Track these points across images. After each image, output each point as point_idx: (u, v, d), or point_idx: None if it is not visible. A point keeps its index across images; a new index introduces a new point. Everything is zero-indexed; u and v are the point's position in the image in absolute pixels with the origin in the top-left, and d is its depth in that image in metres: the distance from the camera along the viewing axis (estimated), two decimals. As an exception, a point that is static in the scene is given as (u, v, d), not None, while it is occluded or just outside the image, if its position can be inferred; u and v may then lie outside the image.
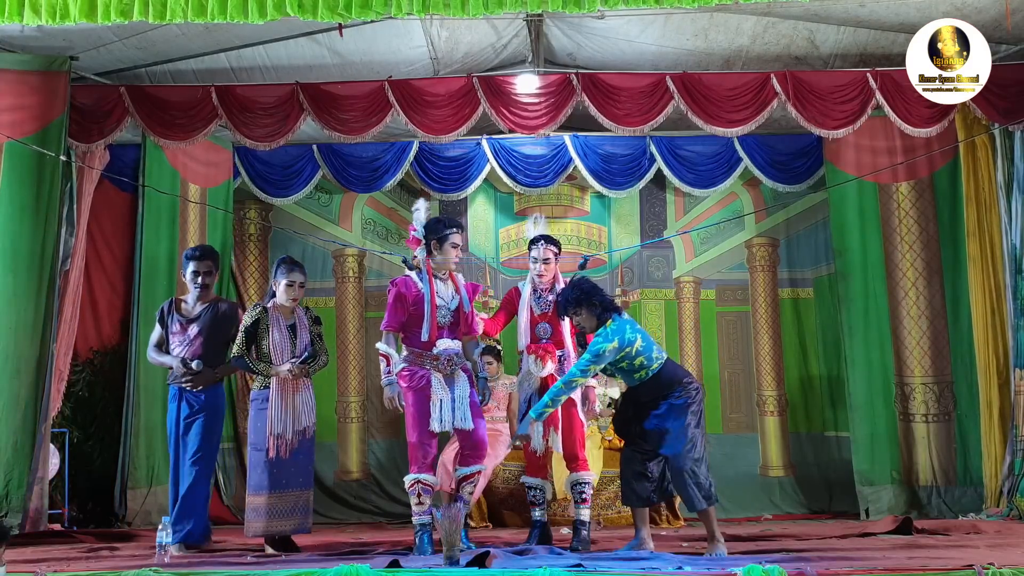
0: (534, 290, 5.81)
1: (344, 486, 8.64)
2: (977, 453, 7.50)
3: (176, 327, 5.92)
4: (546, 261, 5.75)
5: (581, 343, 5.60)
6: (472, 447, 5.47)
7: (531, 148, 8.54)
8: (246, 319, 5.69)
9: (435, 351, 5.36)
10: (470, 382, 5.46)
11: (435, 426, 5.31)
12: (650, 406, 5.26)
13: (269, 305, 5.74)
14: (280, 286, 5.72)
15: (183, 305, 5.98)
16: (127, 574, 4.14)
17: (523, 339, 5.78)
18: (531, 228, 5.94)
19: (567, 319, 5.51)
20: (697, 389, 5.30)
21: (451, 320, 5.45)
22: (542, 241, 5.78)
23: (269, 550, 5.58)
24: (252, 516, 5.56)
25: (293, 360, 5.66)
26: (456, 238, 5.45)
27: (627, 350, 5.20)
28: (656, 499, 5.48)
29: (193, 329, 5.90)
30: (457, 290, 5.50)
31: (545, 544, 5.42)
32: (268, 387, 5.61)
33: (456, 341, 5.45)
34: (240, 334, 5.65)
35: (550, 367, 5.65)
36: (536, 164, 8.54)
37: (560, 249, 5.89)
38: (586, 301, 5.29)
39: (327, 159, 8.55)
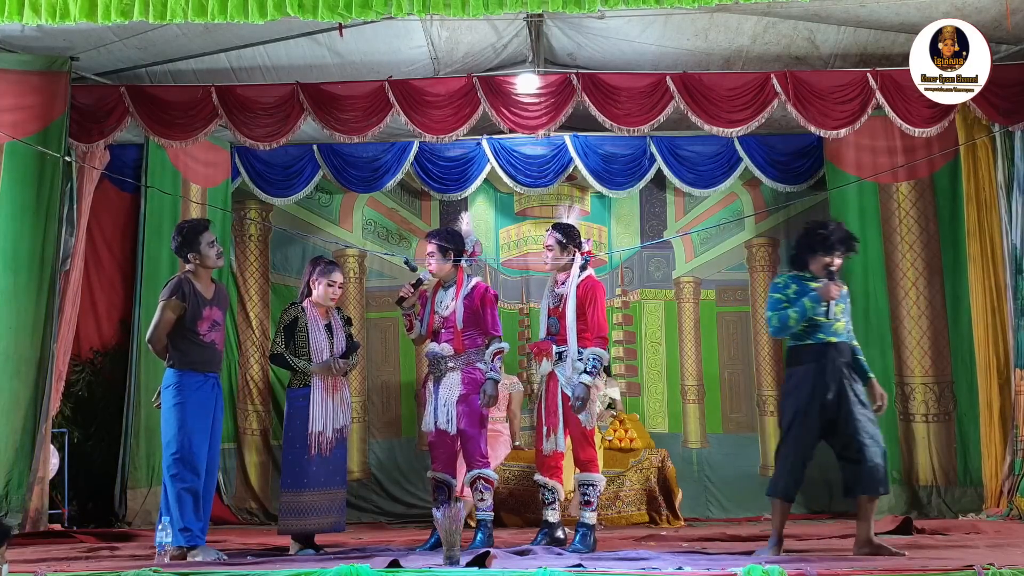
0: (551, 282, 5.74)
1: (345, 486, 8.63)
2: (977, 453, 7.50)
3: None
4: (549, 248, 5.65)
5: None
6: (465, 453, 5.54)
7: (531, 148, 8.54)
8: (285, 317, 5.73)
9: (424, 353, 5.66)
10: (470, 385, 5.49)
11: (424, 426, 5.66)
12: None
13: (306, 304, 5.77)
14: (320, 286, 5.75)
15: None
16: (127, 574, 4.13)
17: (540, 333, 5.73)
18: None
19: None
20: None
21: (443, 324, 5.59)
22: (551, 228, 5.68)
23: (296, 547, 5.55)
24: (289, 514, 5.53)
25: (334, 355, 5.73)
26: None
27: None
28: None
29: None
30: (456, 296, 5.58)
31: (555, 547, 5.31)
32: (307, 385, 5.64)
33: (443, 344, 5.54)
34: (280, 332, 5.70)
35: (546, 366, 5.57)
36: (536, 164, 8.54)
37: (567, 236, 5.61)
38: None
39: (327, 159, 8.55)
